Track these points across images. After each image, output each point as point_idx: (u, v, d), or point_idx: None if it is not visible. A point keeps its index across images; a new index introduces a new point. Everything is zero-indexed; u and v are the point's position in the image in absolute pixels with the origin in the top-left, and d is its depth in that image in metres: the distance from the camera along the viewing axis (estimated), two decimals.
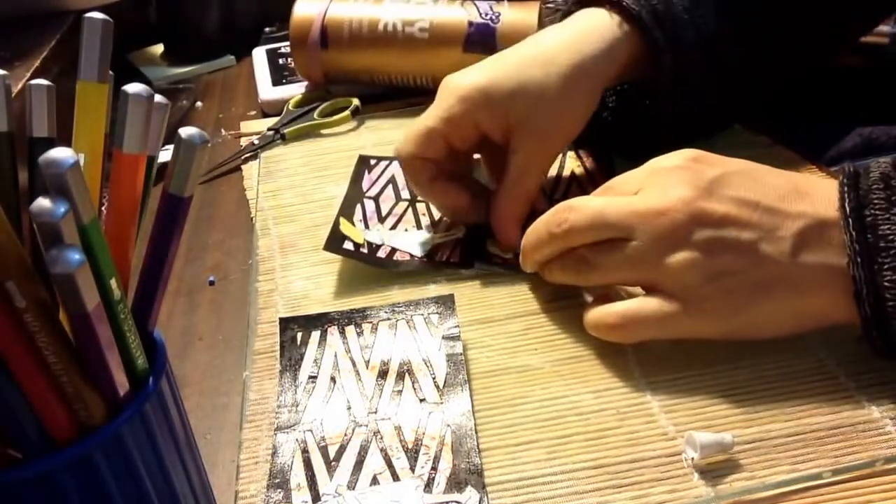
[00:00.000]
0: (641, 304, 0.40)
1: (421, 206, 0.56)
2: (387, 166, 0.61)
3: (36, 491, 0.26)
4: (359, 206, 0.55)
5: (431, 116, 0.50)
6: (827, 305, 0.37)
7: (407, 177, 0.52)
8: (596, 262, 0.41)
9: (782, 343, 0.40)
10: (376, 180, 0.59)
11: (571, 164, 0.58)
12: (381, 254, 0.51)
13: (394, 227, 0.53)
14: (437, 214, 0.55)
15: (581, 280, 0.43)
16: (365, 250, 0.51)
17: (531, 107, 0.48)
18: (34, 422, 0.25)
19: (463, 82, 0.50)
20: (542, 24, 0.70)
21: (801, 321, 0.38)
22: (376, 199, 0.57)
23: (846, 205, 0.36)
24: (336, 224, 0.52)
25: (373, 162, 0.61)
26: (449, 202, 0.51)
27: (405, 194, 0.57)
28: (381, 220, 0.54)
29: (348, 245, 0.51)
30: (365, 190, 0.58)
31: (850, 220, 0.36)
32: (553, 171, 0.57)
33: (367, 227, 0.53)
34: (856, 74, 0.66)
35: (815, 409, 0.37)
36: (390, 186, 0.58)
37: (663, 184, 0.40)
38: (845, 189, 0.37)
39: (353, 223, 0.53)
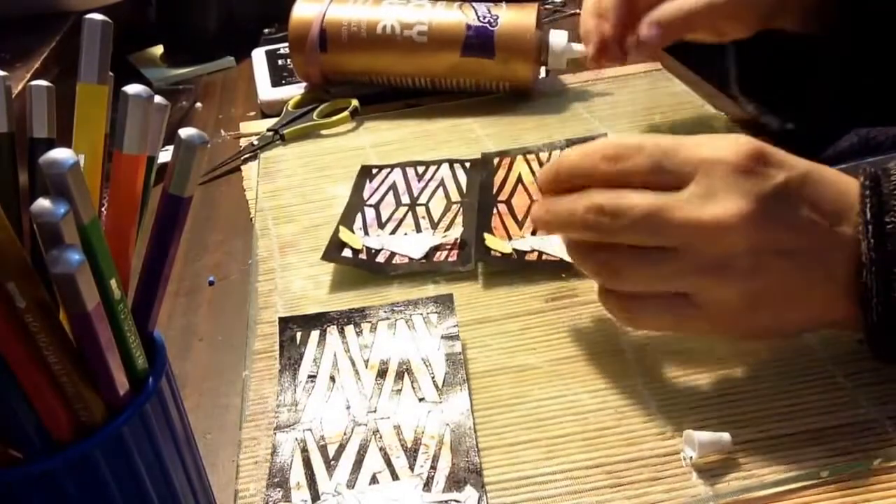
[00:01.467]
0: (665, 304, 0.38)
1: (420, 210, 0.56)
2: (388, 174, 0.61)
3: (36, 491, 0.26)
4: (359, 215, 0.56)
5: None
6: (849, 318, 0.36)
7: None
8: (626, 275, 0.37)
9: (781, 343, 0.40)
10: (377, 188, 0.59)
11: None
12: (381, 258, 0.51)
13: (394, 232, 0.54)
14: (436, 216, 0.55)
15: (606, 284, 0.40)
16: (364, 256, 0.51)
17: None
18: (34, 422, 0.26)
19: None
20: (540, 26, 0.70)
21: (816, 328, 0.38)
22: (377, 206, 0.57)
23: (867, 210, 0.35)
24: (335, 233, 0.53)
25: (374, 171, 0.61)
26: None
27: (405, 199, 0.57)
28: (382, 226, 0.54)
29: (347, 252, 0.51)
30: (366, 199, 0.58)
31: (869, 227, 0.34)
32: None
33: (366, 233, 0.54)
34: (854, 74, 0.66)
35: (812, 409, 0.37)
36: (391, 193, 0.58)
37: (721, 187, 0.35)
38: (867, 194, 0.35)
39: (352, 231, 0.53)
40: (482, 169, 0.59)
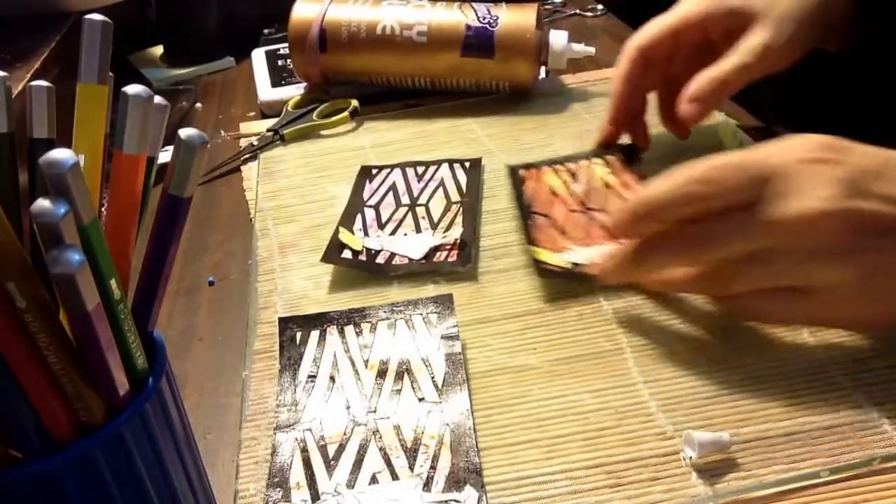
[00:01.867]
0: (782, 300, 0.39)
1: (420, 210, 0.56)
2: (388, 174, 0.61)
3: (36, 491, 0.26)
4: (359, 216, 0.56)
5: (666, 18, 0.54)
6: None
7: (618, 66, 0.56)
8: (738, 282, 0.38)
9: (780, 342, 0.41)
10: (377, 189, 0.59)
11: (600, 172, 0.57)
12: (381, 259, 0.51)
13: (393, 233, 0.54)
14: (436, 217, 0.55)
15: (721, 293, 0.41)
16: (363, 257, 0.51)
17: (768, 9, 0.51)
18: (34, 422, 0.26)
19: None
20: (540, 26, 0.70)
21: None
22: (376, 207, 0.57)
23: None
24: (335, 235, 0.53)
25: (374, 171, 0.61)
26: (623, 102, 0.56)
27: (405, 199, 0.57)
28: (381, 226, 0.54)
29: (347, 254, 0.51)
30: (366, 199, 0.58)
31: None
32: (583, 182, 0.56)
33: (366, 234, 0.54)
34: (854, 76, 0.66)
35: (812, 408, 0.37)
36: (391, 193, 0.58)
37: (800, 182, 0.36)
38: None
39: (352, 233, 0.53)
40: (509, 180, 0.58)
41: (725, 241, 0.37)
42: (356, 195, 0.58)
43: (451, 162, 0.61)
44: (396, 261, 0.51)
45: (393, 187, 0.59)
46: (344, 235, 0.52)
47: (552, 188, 0.56)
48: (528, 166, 0.59)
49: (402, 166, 0.61)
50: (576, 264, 0.47)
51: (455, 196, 0.57)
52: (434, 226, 0.54)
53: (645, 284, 0.45)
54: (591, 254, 0.47)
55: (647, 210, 0.39)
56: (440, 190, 0.58)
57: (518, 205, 0.54)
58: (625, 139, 0.60)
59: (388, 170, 0.61)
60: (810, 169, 0.36)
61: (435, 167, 0.61)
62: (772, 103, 0.65)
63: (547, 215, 0.53)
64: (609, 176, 0.56)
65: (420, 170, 0.61)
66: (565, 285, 0.46)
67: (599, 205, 0.53)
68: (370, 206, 0.57)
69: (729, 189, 0.37)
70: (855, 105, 0.60)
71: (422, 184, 0.59)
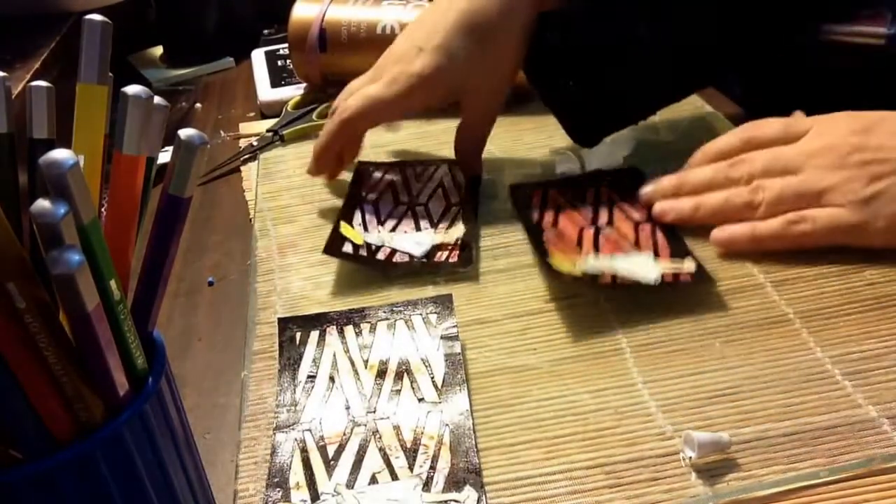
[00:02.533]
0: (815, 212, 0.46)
1: (420, 210, 0.56)
2: (385, 172, 0.61)
3: (36, 491, 0.26)
4: (358, 211, 0.56)
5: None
6: None
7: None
8: (770, 185, 0.47)
9: (779, 342, 0.40)
10: (375, 186, 0.59)
11: (607, 190, 0.55)
12: (381, 256, 0.51)
13: (393, 230, 0.54)
14: (436, 216, 0.55)
15: (755, 203, 0.48)
16: (364, 252, 0.51)
17: (464, 79, 0.55)
18: (34, 422, 0.26)
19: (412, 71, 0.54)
20: None
21: None
22: (375, 203, 0.57)
23: None
24: (336, 227, 0.53)
25: (371, 169, 0.61)
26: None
27: (404, 198, 0.57)
28: (381, 223, 0.54)
29: (348, 247, 0.51)
30: (364, 195, 0.58)
31: None
32: (590, 199, 0.55)
33: (366, 230, 0.54)
34: (851, 76, 0.66)
35: (811, 409, 0.37)
36: (389, 191, 0.58)
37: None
38: None
39: (352, 226, 0.53)
40: (512, 199, 0.56)
41: (759, 160, 0.48)
42: (354, 190, 0.58)
43: (450, 162, 0.61)
44: (397, 258, 0.51)
45: (392, 185, 0.59)
46: (345, 229, 0.52)
47: (559, 206, 0.54)
48: (533, 187, 0.57)
49: (401, 165, 0.61)
50: (588, 274, 0.46)
51: (454, 197, 0.57)
52: (434, 225, 0.54)
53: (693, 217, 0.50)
54: (603, 264, 0.47)
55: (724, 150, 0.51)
56: (440, 190, 0.58)
57: (526, 224, 0.52)
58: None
59: (386, 168, 0.61)
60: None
61: (434, 167, 0.61)
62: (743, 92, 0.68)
63: (557, 229, 0.51)
64: (615, 195, 0.55)
65: (419, 169, 0.61)
66: (566, 287, 0.46)
67: (608, 222, 0.52)
68: (369, 203, 0.57)
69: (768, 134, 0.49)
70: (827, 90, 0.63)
71: (420, 184, 0.59)
